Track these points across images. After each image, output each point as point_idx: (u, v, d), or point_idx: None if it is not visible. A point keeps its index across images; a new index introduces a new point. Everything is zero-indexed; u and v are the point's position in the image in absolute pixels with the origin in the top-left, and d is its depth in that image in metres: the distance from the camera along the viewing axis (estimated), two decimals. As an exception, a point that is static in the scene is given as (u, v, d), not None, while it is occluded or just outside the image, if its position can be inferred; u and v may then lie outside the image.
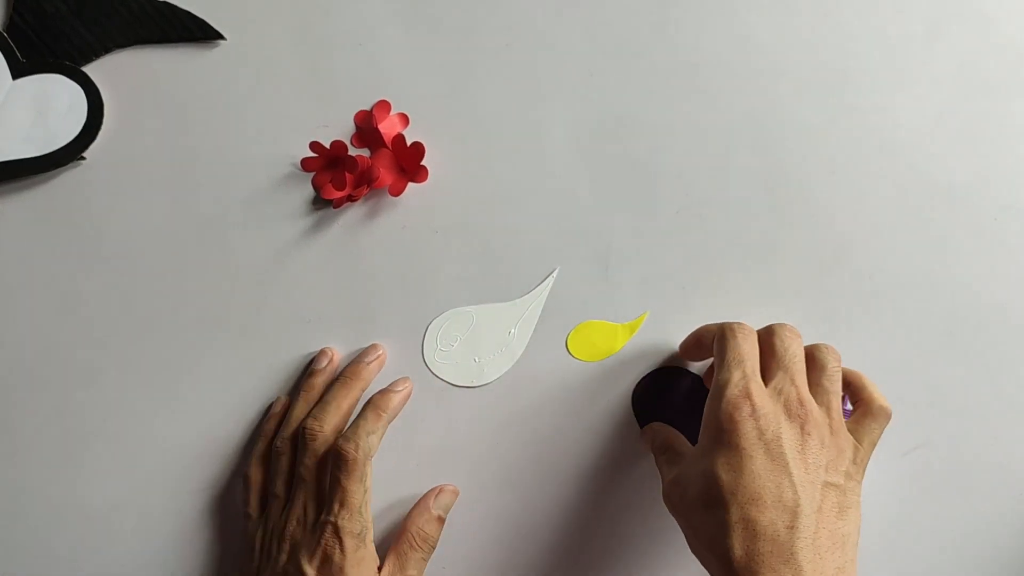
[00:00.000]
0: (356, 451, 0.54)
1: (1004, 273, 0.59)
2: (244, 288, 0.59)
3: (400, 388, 0.58)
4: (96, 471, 0.59)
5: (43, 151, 0.59)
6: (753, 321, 0.59)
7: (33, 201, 0.60)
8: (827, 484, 0.47)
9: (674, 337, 0.59)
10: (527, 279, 0.59)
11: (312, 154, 0.59)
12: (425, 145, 0.58)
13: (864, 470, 0.49)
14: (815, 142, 0.59)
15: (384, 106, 0.60)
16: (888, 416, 0.51)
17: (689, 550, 0.49)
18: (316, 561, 0.52)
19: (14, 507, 0.59)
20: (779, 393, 0.49)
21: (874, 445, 0.51)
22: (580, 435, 0.58)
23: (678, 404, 0.58)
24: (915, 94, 0.59)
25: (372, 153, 0.60)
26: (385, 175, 0.59)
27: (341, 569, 0.52)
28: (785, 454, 0.47)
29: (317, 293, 0.59)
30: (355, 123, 0.60)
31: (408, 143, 0.58)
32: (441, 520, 0.56)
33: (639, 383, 0.58)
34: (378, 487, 0.58)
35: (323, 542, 0.52)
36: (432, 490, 0.57)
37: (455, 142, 0.60)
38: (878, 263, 0.59)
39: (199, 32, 0.60)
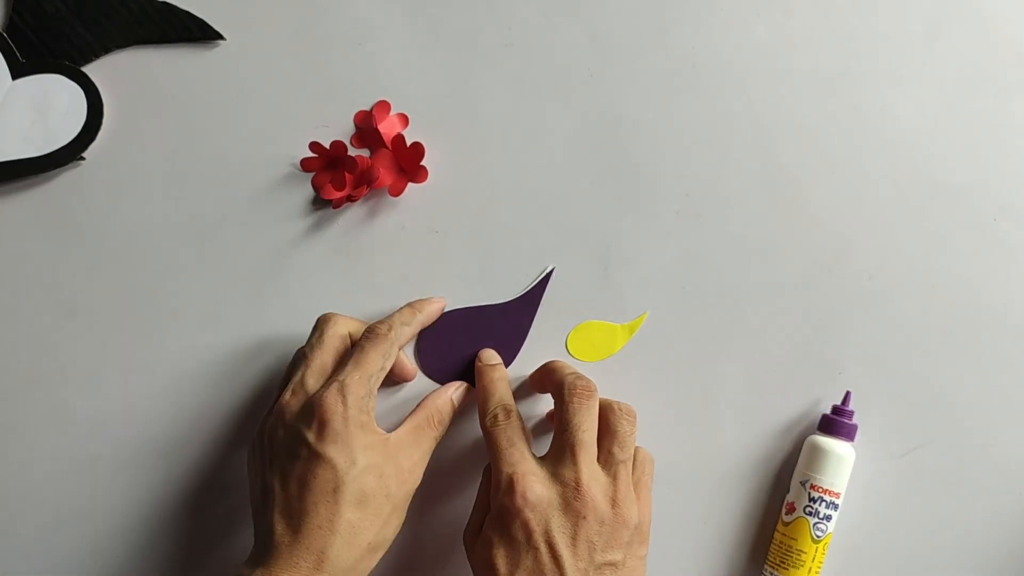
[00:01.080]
0: (388, 330, 0.53)
1: (1004, 273, 0.59)
2: (243, 288, 0.59)
3: (437, 300, 0.57)
4: (96, 472, 0.59)
5: (42, 151, 0.59)
6: (754, 324, 0.59)
7: (33, 201, 0.60)
8: (603, 565, 0.48)
9: (674, 337, 0.59)
10: (527, 279, 0.59)
11: (312, 154, 0.59)
12: (425, 145, 0.58)
13: (649, 525, 0.51)
14: (815, 142, 0.59)
15: (384, 106, 0.60)
16: (652, 463, 0.54)
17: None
18: (315, 425, 0.49)
19: (15, 509, 0.59)
20: (556, 478, 0.50)
21: (650, 491, 0.53)
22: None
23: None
24: (915, 94, 0.59)
25: (372, 153, 0.60)
26: (385, 175, 0.59)
27: (342, 431, 0.49)
28: (556, 547, 0.48)
29: (317, 293, 0.59)
30: (355, 123, 0.60)
31: (408, 143, 0.58)
32: (454, 405, 0.56)
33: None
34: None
35: (324, 403, 0.49)
36: (451, 384, 0.57)
37: (455, 142, 0.60)
38: (878, 263, 0.59)
39: (199, 32, 0.60)
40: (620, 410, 0.52)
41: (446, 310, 0.58)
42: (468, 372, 0.58)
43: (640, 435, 0.58)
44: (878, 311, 0.59)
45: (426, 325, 0.57)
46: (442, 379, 0.58)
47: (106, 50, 0.60)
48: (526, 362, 0.58)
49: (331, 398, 0.49)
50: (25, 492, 0.59)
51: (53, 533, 0.58)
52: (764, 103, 0.60)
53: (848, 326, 0.59)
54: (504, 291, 0.59)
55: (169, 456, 0.59)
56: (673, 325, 0.59)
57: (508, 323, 0.58)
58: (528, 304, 0.58)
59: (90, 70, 0.60)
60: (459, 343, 0.58)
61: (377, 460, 0.50)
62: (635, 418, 0.52)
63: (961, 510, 0.58)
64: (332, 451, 0.49)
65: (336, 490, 0.48)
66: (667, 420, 0.58)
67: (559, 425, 0.51)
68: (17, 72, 0.59)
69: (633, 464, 0.52)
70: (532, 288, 0.58)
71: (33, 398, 0.59)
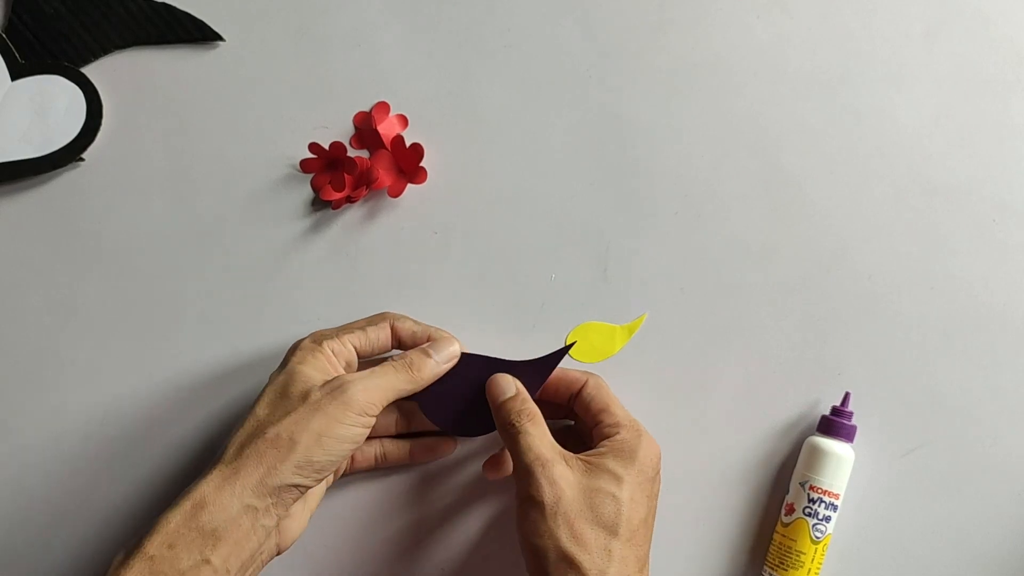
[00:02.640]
0: (390, 313, 0.55)
1: (1003, 273, 0.59)
2: (242, 289, 0.59)
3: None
4: (95, 473, 0.59)
5: (42, 152, 0.59)
6: (753, 325, 0.59)
7: (32, 202, 0.60)
8: None
9: (673, 338, 0.59)
10: (525, 280, 0.59)
11: (311, 155, 0.59)
12: (424, 146, 0.58)
13: None
14: (813, 143, 0.59)
15: (383, 107, 0.60)
16: None
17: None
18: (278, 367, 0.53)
19: (13, 509, 0.59)
20: None
21: None
22: (578, 437, 0.58)
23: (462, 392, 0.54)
24: (913, 95, 0.59)
25: (371, 154, 0.60)
26: (384, 176, 0.59)
27: (289, 353, 0.52)
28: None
29: (316, 294, 0.59)
30: (354, 124, 0.60)
31: (407, 144, 0.58)
32: (435, 362, 0.52)
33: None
34: (373, 488, 0.58)
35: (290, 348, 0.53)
36: (440, 345, 0.53)
37: (454, 144, 0.60)
38: (876, 264, 0.59)
39: (198, 33, 0.60)
40: None
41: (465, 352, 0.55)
42: (467, 419, 0.54)
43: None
44: (877, 312, 0.59)
45: (435, 342, 0.54)
46: (441, 421, 0.55)
47: (105, 51, 0.60)
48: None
49: (296, 344, 0.53)
50: (23, 492, 0.59)
51: (51, 534, 0.58)
52: (763, 104, 0.60)
53: (847, 327, 0.59)
54: (502, 293, 0.59)
55: (168, 456, 0.59)
56: (672, 326, 0.59)
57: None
58: (540, 371, 0.54)
59: (89, 71, 0.60)
60: (462, 389, 0.54)
61: (308, 371, 0.50)
62: None
63: (960, 510, 0.58)
64: (276, 369, 0.52)
65: (262, 393, 0.51)
66: (666, 421, 0.58)
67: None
68: (16, 73, 0.59)
69: None
70: (547, 357, 0.54)
71: (31, 398, 0.59)
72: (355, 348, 0.53)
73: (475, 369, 0.54)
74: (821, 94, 0.60)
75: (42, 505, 0.59)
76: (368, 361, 0.54)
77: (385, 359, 0.53)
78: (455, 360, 0.54)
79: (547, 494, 0.49)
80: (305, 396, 0.49)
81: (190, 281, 0.59)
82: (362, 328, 0.53)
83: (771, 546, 0.57)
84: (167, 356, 0.59)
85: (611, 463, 0.50)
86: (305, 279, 0.59)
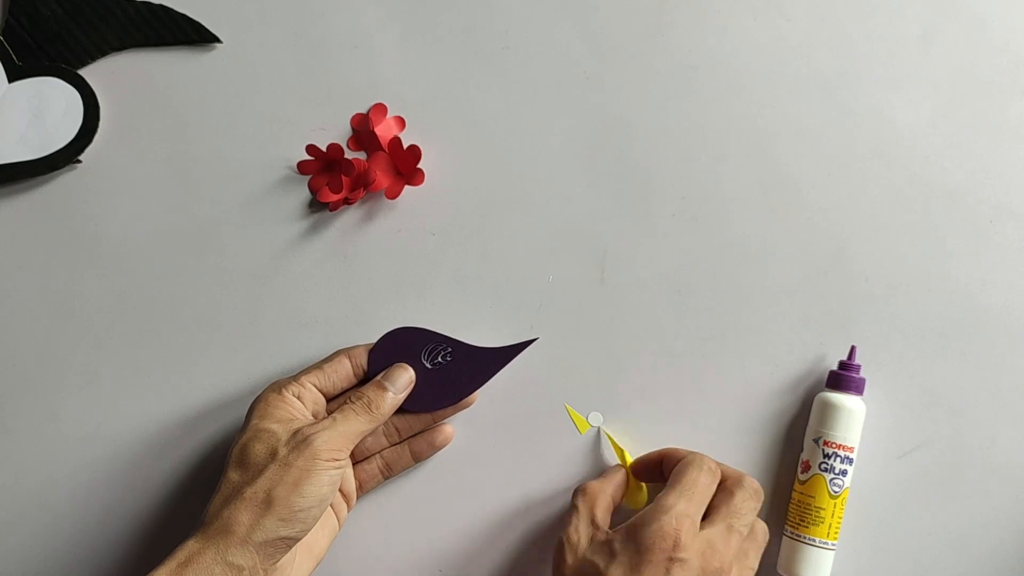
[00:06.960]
0: (347, 347, 0.56)
1: (1000, 275, 0.59)
2: (240, 291, 0.59)
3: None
4: (93, 474, 0.59)
5: (39, 154, 0.59)
6: (751, 327, 0.59)
7: (29, 204, 0.60)
8: None
9: (670, 341, 0.59)
10: (523, 282, 0.59)
11: (308, 157, 0.59)
12: (421, 148, 0.58)
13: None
14: (811, 145, 0.59)
15: (381, 109, 0.60)
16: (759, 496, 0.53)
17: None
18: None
19: (11, 512, 0.58)
20: (710, 547, 0.50)
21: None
22: (576, 438, 0.58)
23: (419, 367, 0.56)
24: (911, 96, 0.60)
25: (368, 156, 0.60)
26: (381, 178, 0.59)
27: (250, 407, 0.53)
28: None
29: (313, 296, 0.59)
30: (351, 126, 0.60)
31: (404, 146, 0.58)
32: (391, 394, 0.54)
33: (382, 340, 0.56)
34: (371, 492, 0.58)
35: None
36: (392, 375, 0.55)
37: (451, 145, 0.60)
38: (874, 265, 0.59)
39: (195, 35, 0.60)
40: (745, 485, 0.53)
41: (418, 326, 0.56)
42: (438, 394, 0.56)
43: (637, 438, 0.58)
44: (875, 313, 0.59)
45: (388, 373, 0.55)
46: (415, 404, 0.56)
47: (102, 53, 0.60)
48: (521, 368, 0.58)
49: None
50: (20, 495, 0.59)
51: (49, 536, 0.58)
52: (761, 105, 0.60)
53: (845, 328, 0.59)
54: (500, 295, 0.59)
55: (164, 459, 0.59)
56: (669, 328, 0.59)
57: (473, 366, 0.56)
58: (499, 359, 0.56)
59: (86, 73, 0.60)
60: (416, 361, 0.56)
61: (270, 426, 0.51)
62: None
63: (959, 511, 0.58)
64: (241, 429, 0.52)
65: (228, 454, 0.51)
66: (664, 423, 0.58)
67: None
68: (13, 75, 0.59)
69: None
70: (509, 347, 0.56)
71: (29, 399, 0.59)
72: (316, 387, 0.54)
73: (428, 343, 0.56)
74: (818, 96, 0.60)
75: (40, 507, 0.59)
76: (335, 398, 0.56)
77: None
78: (411, 386, 0.55)
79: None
80: (273, 454, 0.50)
81: (188, 283, 0.59)
82: (319, 368, 0.54)
83: (790, 505, 0.57)
84: (164, 357, 0.59)
85: (618, 544, 0.50)
86: (302, 281, 0.59)
